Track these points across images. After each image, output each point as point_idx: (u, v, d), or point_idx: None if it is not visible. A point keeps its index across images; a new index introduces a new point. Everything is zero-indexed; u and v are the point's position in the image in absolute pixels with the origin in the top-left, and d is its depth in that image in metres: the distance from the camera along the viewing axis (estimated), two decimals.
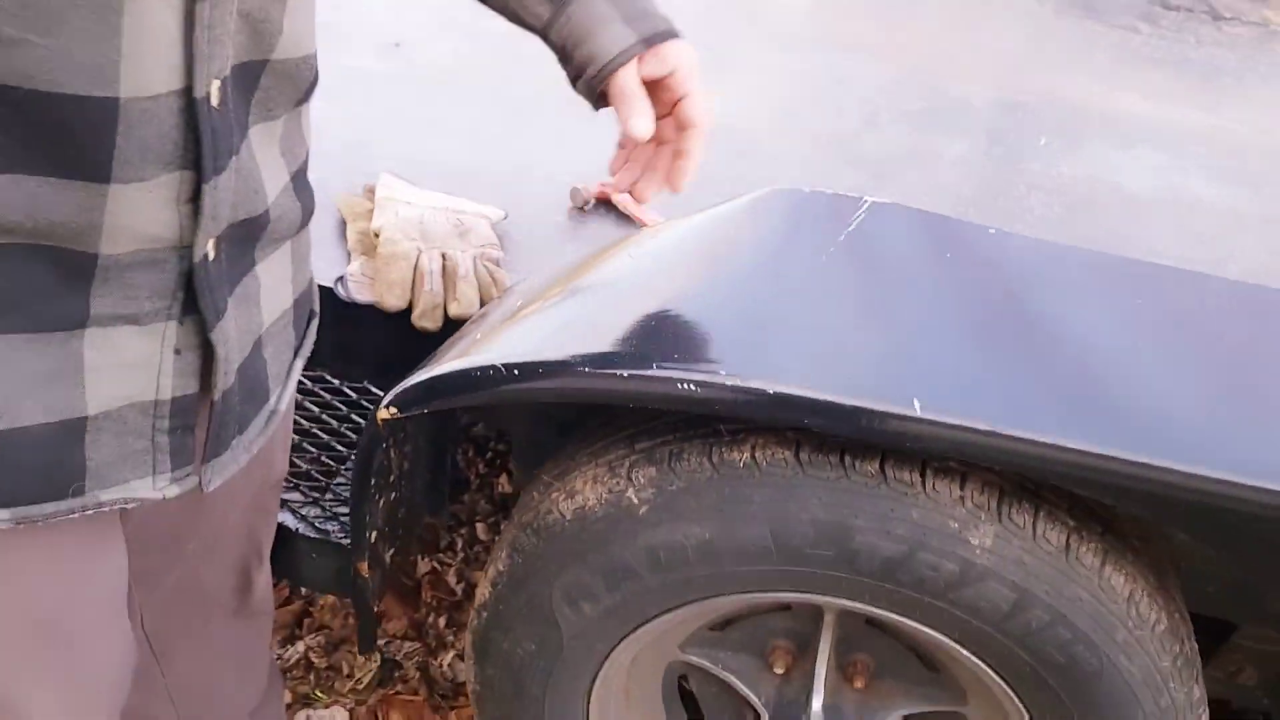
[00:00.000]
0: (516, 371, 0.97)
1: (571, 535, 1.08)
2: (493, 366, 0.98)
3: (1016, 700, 1.08)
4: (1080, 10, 2.40)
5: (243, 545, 1.11)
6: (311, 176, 0.89)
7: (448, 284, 1.25)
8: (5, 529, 0.74)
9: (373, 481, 1.11)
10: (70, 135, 0.64)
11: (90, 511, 0.77)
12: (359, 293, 1.26)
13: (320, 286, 1.00)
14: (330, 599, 1.66)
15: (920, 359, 0.95)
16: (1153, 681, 1.02)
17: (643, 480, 1.04)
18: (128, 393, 0.76)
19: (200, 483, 0.83)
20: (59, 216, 0.67)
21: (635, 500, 1.04)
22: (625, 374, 0.94)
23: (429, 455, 1.29)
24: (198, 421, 0.81)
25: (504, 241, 1.36)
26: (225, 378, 0.80)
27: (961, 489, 0.98)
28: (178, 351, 0.77)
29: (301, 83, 0.81)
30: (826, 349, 0.96)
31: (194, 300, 0.75)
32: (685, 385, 0.92)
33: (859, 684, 1.20)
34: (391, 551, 1.27)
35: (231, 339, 0.79)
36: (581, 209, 1.45)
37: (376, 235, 1.29)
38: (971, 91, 1.94)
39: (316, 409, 1.32)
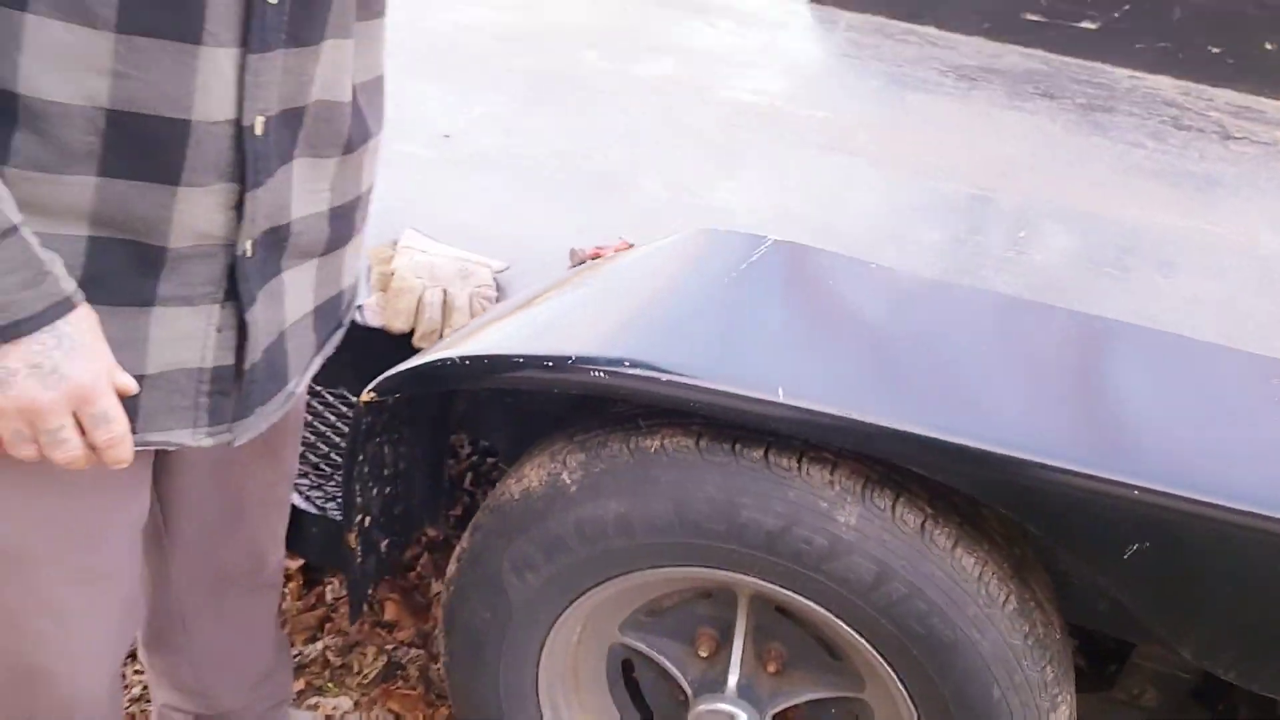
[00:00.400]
0: (466, 362, 1.20)
1: (518, 512, 1.29)
2: (449, 358, 1.21)
3: (899, 684, 1.23)
4: (1090, 128, 2.59)
5: (258, 528, 1.35)
6: None
7: (445, 314, 1.50)
8: None
9: (362, 463, 1.34)
10: (154, 147, 0.91)
11: (137, 448, 1.00)
12: (372, 319, 1.51)
13: None
14: (346, 609, 1.88)
15: (790, 360, 1.14)
16: (1004, 656, 1.16)
17: (574, 464, 1.25)
18: (179, 359, 1.00)
19: (231, 439, 1.06)
20: (140, 213, 0.93)
21: (568, 481, 1.25)
22: (550, 363, 1.16)
23: (424, 460, 1.51)
24: (230, 389, 1.05)
25: (505, 288, 1.60)
26: (253, 354, 1.04)
27: (831, 474, 1.16)
28: (219, 329, 1.01)
29: (340, 127, 1.06)
30: (715, 350, 1.17)
31: (235, 288, 1.00)
32: (596, 374, 1.14)
33: (772, 669, 1.36)
34: (386, 541, 1.48)
35: (260, 324, 1.03)
36: (577, 265, 1.69)
37: (392, 274, 1.55)
38: (961, 189, 2.14)
39: (333, 418, 1.57)
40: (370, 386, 1.26)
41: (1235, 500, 1.01)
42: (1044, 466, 1.04)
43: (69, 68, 0.86)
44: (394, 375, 1.25)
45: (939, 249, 1.91)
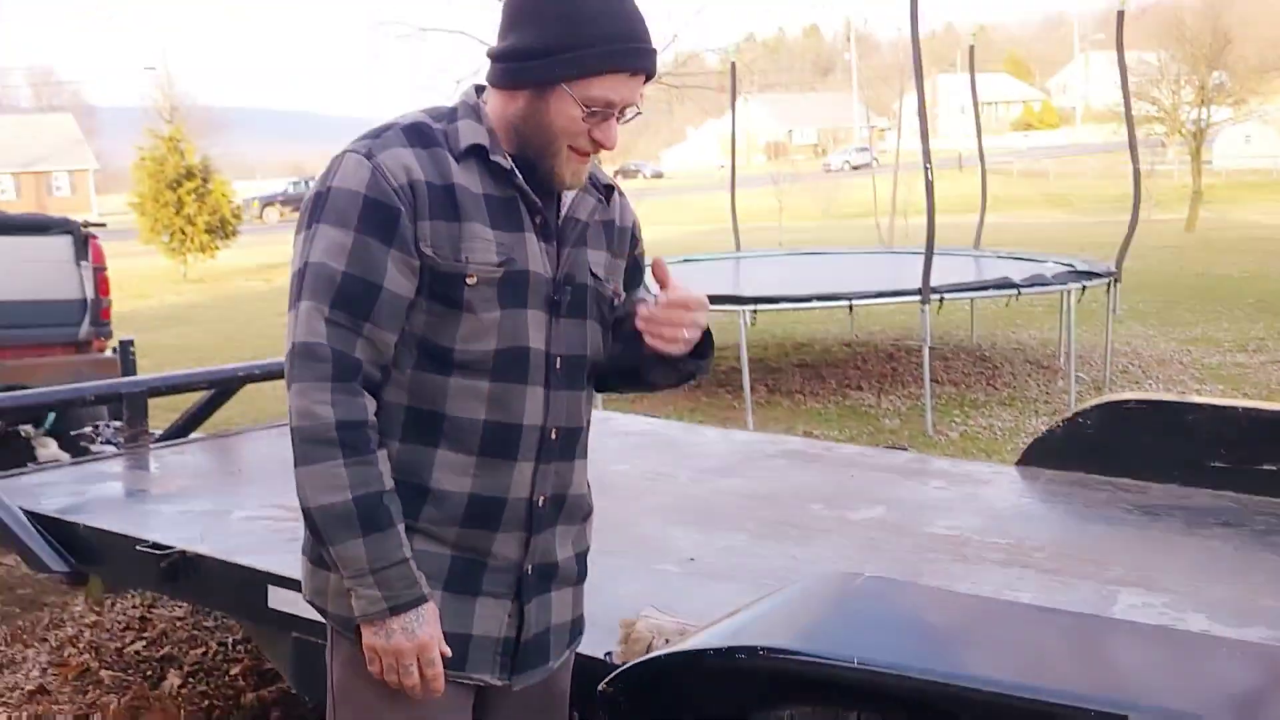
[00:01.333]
0: (681, 657, 1.82)
1: None
2: (659, 656, 1.84)
3: None
4: (1262, 547, 2.93)
5: None
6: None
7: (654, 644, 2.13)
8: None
9: None
10: (491, 512, 1.67)
11: (462, 681, 1.69)
12: (618, 659, 2.16)
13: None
14: None
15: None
16: None
17: None
18: (487, 629, 1.71)
19: (511, 683, 1.73)
20: (478, 545, 1.69)
21: None
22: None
23: None
24: (514, 653, 1.73)
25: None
26: (526, 634, 1.73)
27: None
28: (510, 615, 1.72)
29: (584, 509, 1.82)
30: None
31: (520, 594, 1.72)
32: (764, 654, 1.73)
33: None
34: None
35: (532, 618, 1.74)
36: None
37: (634, 629, 2.21)
38: (1109, 590, 2.56)
39: None
40: (609, 678, 1.89)
41: None
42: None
43: (454, 472, 1.66)
44: (629, 669, 1.88)
45: None
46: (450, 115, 1.64)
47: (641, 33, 1.62)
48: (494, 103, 1.64)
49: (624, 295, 1.84)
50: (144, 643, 3.94)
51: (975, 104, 10.79)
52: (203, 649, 3.85)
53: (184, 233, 21.24)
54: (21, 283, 5.86)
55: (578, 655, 1.92)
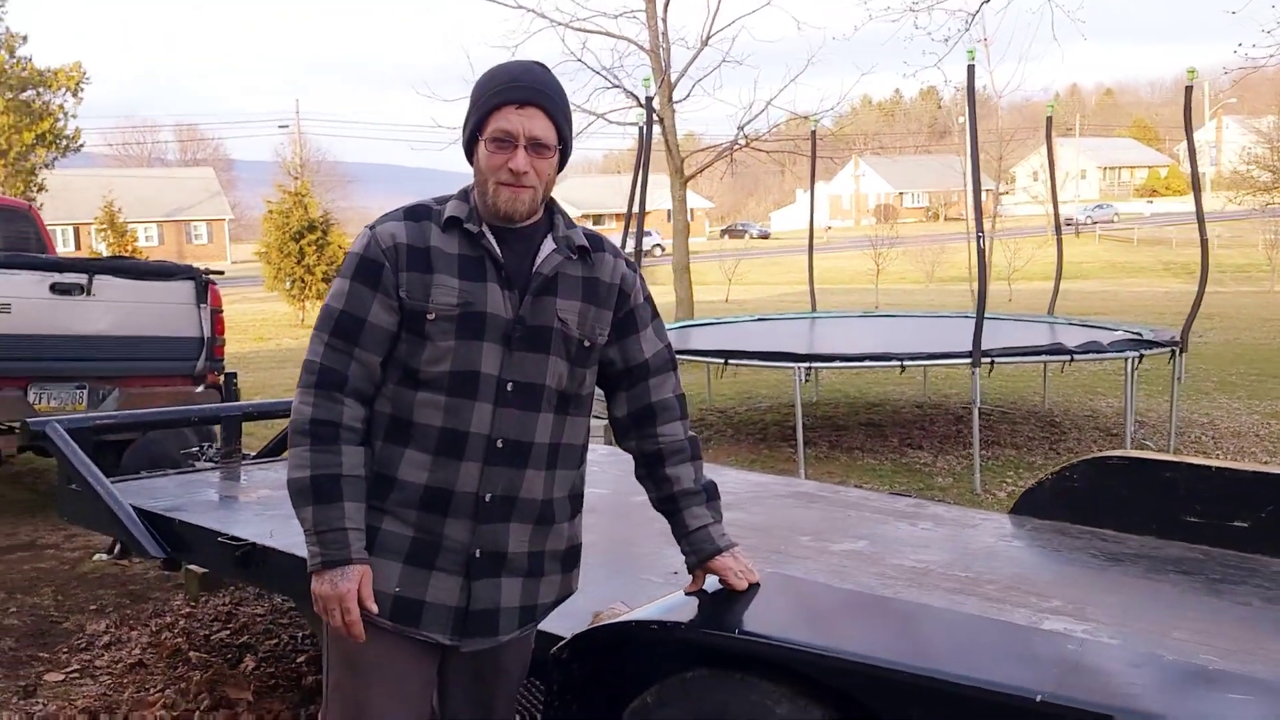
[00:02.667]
0: (648, 624, 2.28)
1: None
2: (597, 627, 2.30)
3: None
4: (1207, 591, 3.22)
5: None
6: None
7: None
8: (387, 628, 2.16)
9: (554, 703, 2.38)
10: (443, 502, 2.14)
11: (419, 638, 2.16)
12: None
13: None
14: None
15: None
16: None
17: None
18: (441, 598, 2.15)
19: (459, 645, 2.19)
20: (434, 529, 2.17)
21: None
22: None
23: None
24: (465, 620, 2.18)
25: None
26: (476, 606, 2.17)
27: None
28: (462, 589, 2.17)
29: (538, 513, 2.28)
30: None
31: (469, 573, 2.17)
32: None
33: None
34: None
35: (481, 595, 2.16)
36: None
37: (600, 615, 2.68)
38: (1041, 616, 2.92)
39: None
40: (556, 647, 2.36)
41: None
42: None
43: (415, 467, 2.11)
44: (578, 636, 2.34)
45: None
46: (448, 199, 2.16)
47: (522, 77, 2.07)
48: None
49: (606, 339, 2.22)
50: (228, 631, 4.56)
51: (1052, 173, 11.05)
52: (275, 640, 4.45)
53: (303, 281, 22.54)
54: (150, 321, 6.65)
55: (550, 634, 2.39)
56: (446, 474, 2.10)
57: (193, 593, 4.97)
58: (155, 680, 4.07)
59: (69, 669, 4.20)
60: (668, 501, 2.30)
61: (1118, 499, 3.85)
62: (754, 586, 2.27)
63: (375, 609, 2.07)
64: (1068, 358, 7.66)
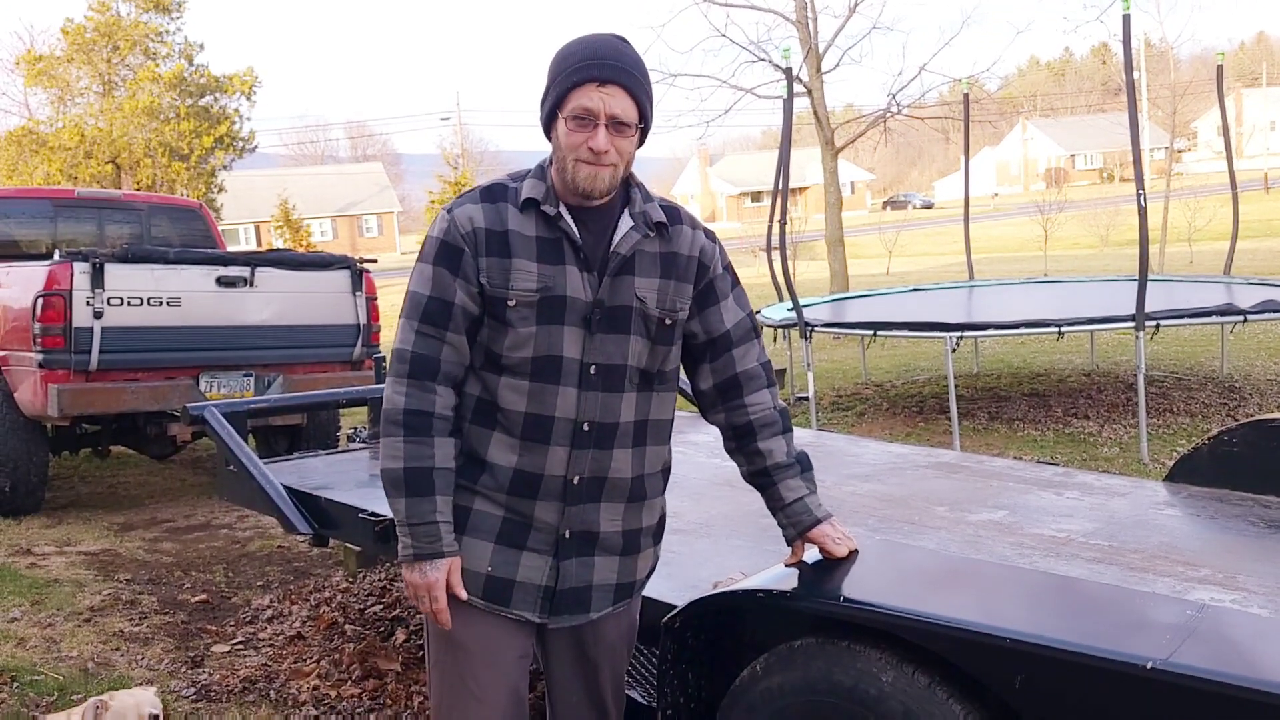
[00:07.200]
0: (761, 594, 2.28)
1: None
2: (707, 596, 2.29)
3: None
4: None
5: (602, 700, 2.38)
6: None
7: None
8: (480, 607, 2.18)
9: (667, 671, 2.39)
10: (533, 487, 2.14)
11: (510, 617, 2.19)
12: None
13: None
14: None
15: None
16: None
17: None
18: (530, 577, 2.17)
19: (548, 623, 2.20)
20: (524, 511, 2.18)
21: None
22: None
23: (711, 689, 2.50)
24: (553, 598, 2.18)
25: None
26: (565, 584, 2.17)
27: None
28: (551, 568, 2.16)
29: (629, 491, 2.25)
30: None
31: (558, 553, 2.18)
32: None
33: None
34: None
35: (570, 574, 2.18)
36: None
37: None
38: (1181, 585, 2.76)
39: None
40: (671, 614, 2.36)
41: None
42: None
43: (504, 450, 2.13)
44: (692, 604, 2.34)
45: None
46: (525, 174, 2.15)
47: (603, 50, 2.01)
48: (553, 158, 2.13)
49: (687, 313, 2.19)
50: (381, 606, 4.74)
51: (1224, 126, 10.35)
52: None
53: None
54: (310, 310, 6.97)
55: (664, 603, 2.40)
56: (534, 458, 2.11)
57: (351, 569, 5.21)
58: (312, 651, 4.28)
59: (234, 640, 4.46)
60: (760, 475, 2.27)
61: None
62: (854, 554, 2.22)
63: (464, 595, 2.12)
64: (1240, 318, 7.17)
